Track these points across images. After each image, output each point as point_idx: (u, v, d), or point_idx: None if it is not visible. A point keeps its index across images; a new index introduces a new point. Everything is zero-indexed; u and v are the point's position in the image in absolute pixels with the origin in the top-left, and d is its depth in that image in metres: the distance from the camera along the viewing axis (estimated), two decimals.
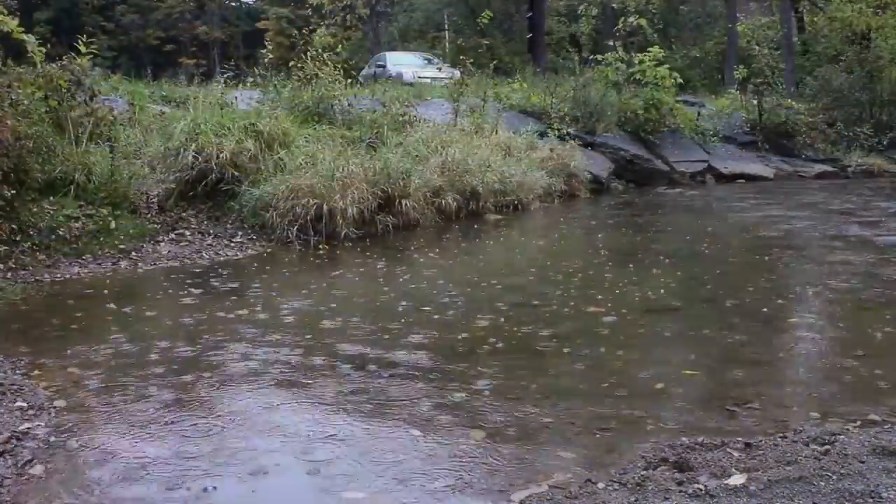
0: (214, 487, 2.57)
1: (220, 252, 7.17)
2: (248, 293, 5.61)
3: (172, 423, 3.13)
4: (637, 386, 3.49)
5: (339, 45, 13.44)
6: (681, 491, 2.37)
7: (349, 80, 12.19)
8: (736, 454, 2.63)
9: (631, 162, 13.83)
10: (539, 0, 23.24)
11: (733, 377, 3.58)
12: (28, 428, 3.07)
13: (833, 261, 6.51)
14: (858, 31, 18.78)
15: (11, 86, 7.21)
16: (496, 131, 11.67)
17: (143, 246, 7.03)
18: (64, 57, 8.46)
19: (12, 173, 6.41)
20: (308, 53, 11.69)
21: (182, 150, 7.97)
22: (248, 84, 13.19)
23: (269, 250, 7.34)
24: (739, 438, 2.79)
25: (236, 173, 8.00)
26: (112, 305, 5.21)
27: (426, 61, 20.26)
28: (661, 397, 3.35)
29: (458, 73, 13.38)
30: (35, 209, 6.73)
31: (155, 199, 7.96)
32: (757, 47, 19.88)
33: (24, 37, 7.78)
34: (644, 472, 2.55)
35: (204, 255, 7.04)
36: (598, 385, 3.53)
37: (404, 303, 5.18)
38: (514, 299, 5.28)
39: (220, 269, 6.50)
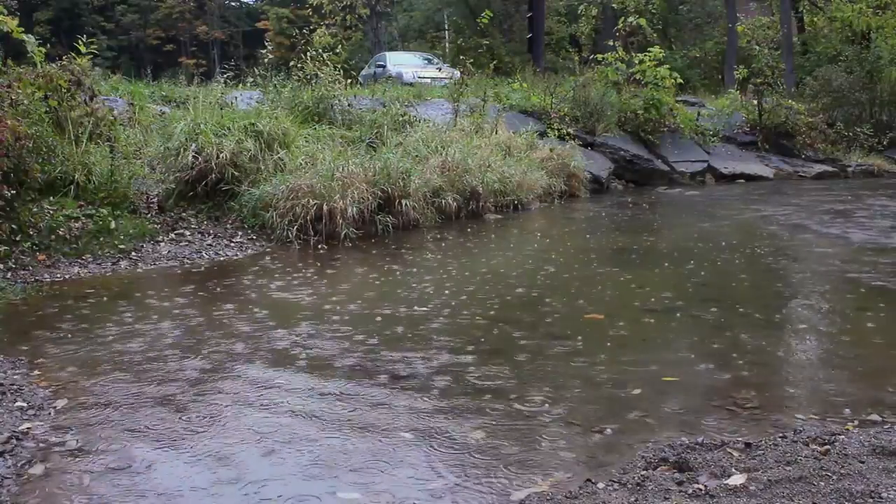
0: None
1: (220, 252, 7.18)
2: (247, 293, 5.61)
3: (173, 422, 3.14)
4: (637, 386, 3.49)
5: (339, 45, 13.43)
6: (681, 491, 2.37)
7: (349, 80, 12.20)
8: (736, 454, 2.63)
9: (631, 162, 13.84)
10: (539, 0, 23.24)
11: (733, 377, 3.58)
12: (28, 428, 3.07)
13: (832, 260, 6.51)
14: (858, 31, 18.80)
15: (11, 86, 7.21)
16: (496, 131, 11.68)
17: (143, 246, 7.04)
18: (64, 57, 8.46)
19: (12, 173, 6.41)
20: (308, 53, 11.71)
21: (182, 150, 7.97)
22: (248, 84, 13.20)
23: (268, 250, 7.34)
24: (739, 438, 2.79)
25: (236, 173, 8.00)
26: (112, 305, 5.21)
27: (426, 61, 20.28)
28: (661, 397, 3.35)
29: (458, 73, 13.38)
30: (35, 209, 6.73)
31: (155, 199, 7.97)
32: (757, 47, 19.88)
33: (24, 37, 7.77)
34: (644, 472, 2.55)
35: (204, 255, 7.04)
36: (598, 385, 3.53)
37: (403, 303, 5.18)
38: (513, 299, 5.28)
39: (220, 269, 6.50)
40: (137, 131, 9.42)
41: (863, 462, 2.46)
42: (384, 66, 19.55)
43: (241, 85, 13.29)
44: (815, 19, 23.61)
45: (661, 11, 26.15)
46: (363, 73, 20.14)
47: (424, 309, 4.98)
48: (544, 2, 24.06)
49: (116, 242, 6.91)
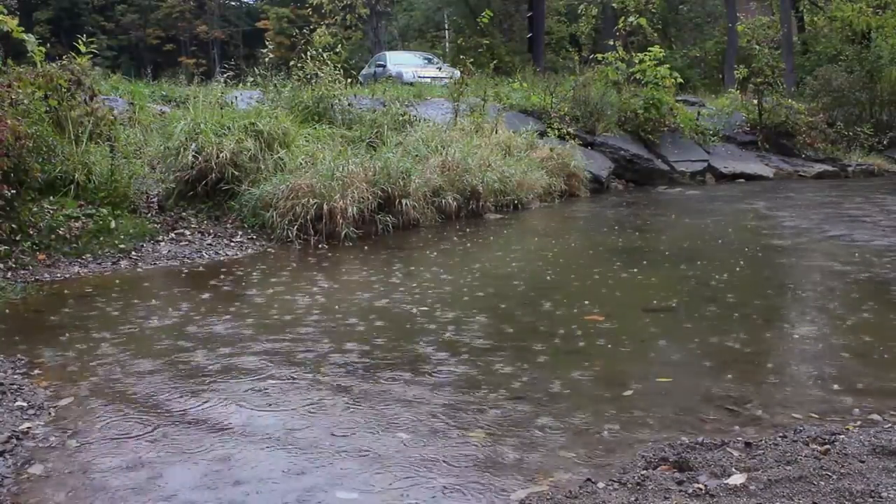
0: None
1: (220, 252, 7.18)
2: (247, 293, 5.61)
3: (173, 422, 3.14)
4: (637, 385, 3.49)
5: (339, 45, 13.42)
6: (681, 491, 2.37)
7: (349, 80, 12.19)
8: (736, 454, 2.63)
9: (631, 161, 13.84)
10: (539, 0, 23.23)
11: (733, 377, 3.58)
12: (28, 428, 3.07)
13: (831, 260, 6.51)
14: (858, 31, 18.80)
15: (11, 85, 7.21)
16: (496, 131, 11.67)
17: (142, 245, 7.04)
18: (64, 57, 8.46)
19: (12, 173, 6.41)
20: (308, 53, 11.70)
21: (182, 149, 7.97)
22: (248, 84, 13.19)
23: (268, 250, 7.34)
24: (739, 438, 2.79)
25: (236, 173, 8.00)
26: (112, 305, 5.21)
27: (426, 61, 20.26)
28: (661, 397, 3.35)
29: (458, 72, 13.37)
30: (35, 209, 6.73)
31: (155, 199, 7.97)
32: (757, 47, 19.88)
33: (24, 36, 7.77)
34: (644, 471, 2.55)
35: (204, 254, 7.04)
36: (598, 385, 3.54)
37: (401, 303, 5.18)
38: (513, 299, 5.28)
39: (219, 269, 6.50)
40: (137, 131, 9.42)
41: (863, 462, 2.46)
42: (384, 66, 19.53)
43: (241, 84, 13.28)
44: (815, 19, 23.63)
45: (661, 11, 26.15)
46: (363, 72, 20.13)
47: (424, 308, 4.98)
48: (544, 1, 24.04)
49: (116, 242, 6.91)
